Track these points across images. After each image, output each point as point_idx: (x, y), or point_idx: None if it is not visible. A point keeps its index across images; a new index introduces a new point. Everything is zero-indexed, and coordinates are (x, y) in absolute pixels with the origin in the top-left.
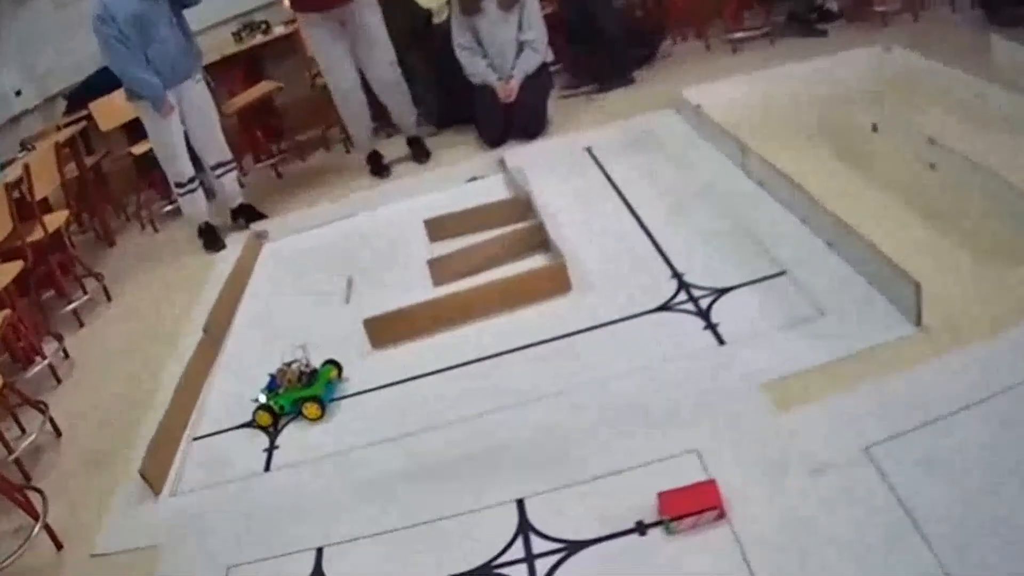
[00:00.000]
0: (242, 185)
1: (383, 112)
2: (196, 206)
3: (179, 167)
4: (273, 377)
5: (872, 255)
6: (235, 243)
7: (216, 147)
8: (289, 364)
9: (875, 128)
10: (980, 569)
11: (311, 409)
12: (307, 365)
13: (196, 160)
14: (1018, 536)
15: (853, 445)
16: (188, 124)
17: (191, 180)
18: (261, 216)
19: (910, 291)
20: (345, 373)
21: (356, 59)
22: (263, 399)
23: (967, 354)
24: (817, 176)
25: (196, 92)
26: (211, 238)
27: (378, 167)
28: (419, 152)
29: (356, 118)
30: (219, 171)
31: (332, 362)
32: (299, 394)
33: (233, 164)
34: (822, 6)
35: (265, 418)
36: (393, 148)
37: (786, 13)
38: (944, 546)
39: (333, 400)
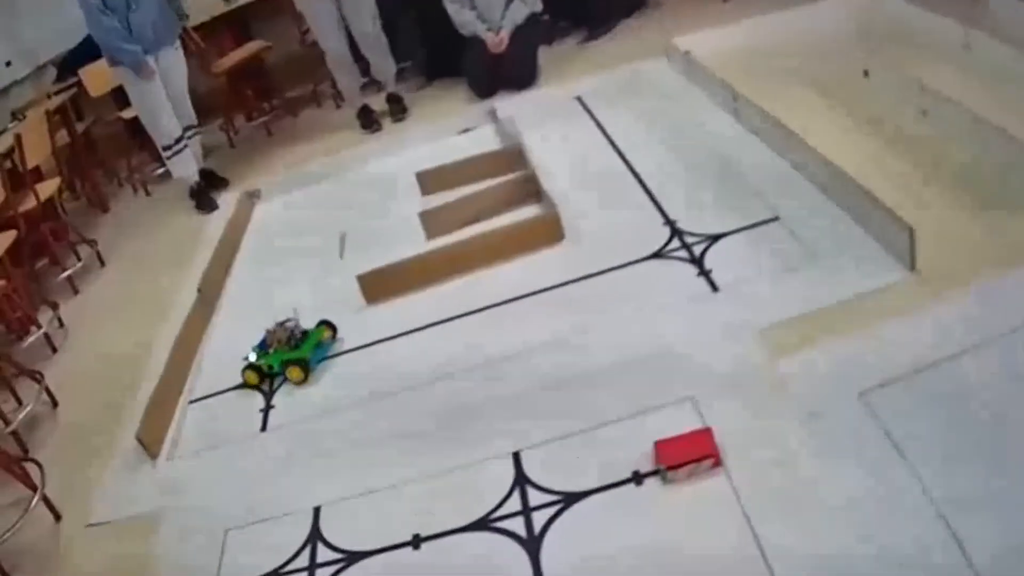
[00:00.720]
0: (206, 152)
1: (367, 67)
2: (186, 166)
3: (165, 129)
4: (264, 336)
5: (865, 200)
6: (227, 203)
7: (186, 111)
8: (282, 323)
9: (866, 74)
10: (977, 514)
11: (294, 372)
12: (298, 326)
13: None
14: (1016, 480)
15: (848, 391)
16: (167, 89)
17: (178, 140)
18: (222, 180)
19: (904, 236)
20: (340, 330)
21: (342, 13)
22: (253, 358)
23: (961, 299)
24: (809, 122)
25: (175, 58)
26: (204, 199)
27: (368, 120)
28: (397, 109)
29: (346, 75)
30: (187, 134)
31: (326, 323)
32: (286, 356)
33: (199, 129)
34: None
35: (252, 377)
36: (374, 104)
37: None
38: (940, 491)
39: (325, 359)
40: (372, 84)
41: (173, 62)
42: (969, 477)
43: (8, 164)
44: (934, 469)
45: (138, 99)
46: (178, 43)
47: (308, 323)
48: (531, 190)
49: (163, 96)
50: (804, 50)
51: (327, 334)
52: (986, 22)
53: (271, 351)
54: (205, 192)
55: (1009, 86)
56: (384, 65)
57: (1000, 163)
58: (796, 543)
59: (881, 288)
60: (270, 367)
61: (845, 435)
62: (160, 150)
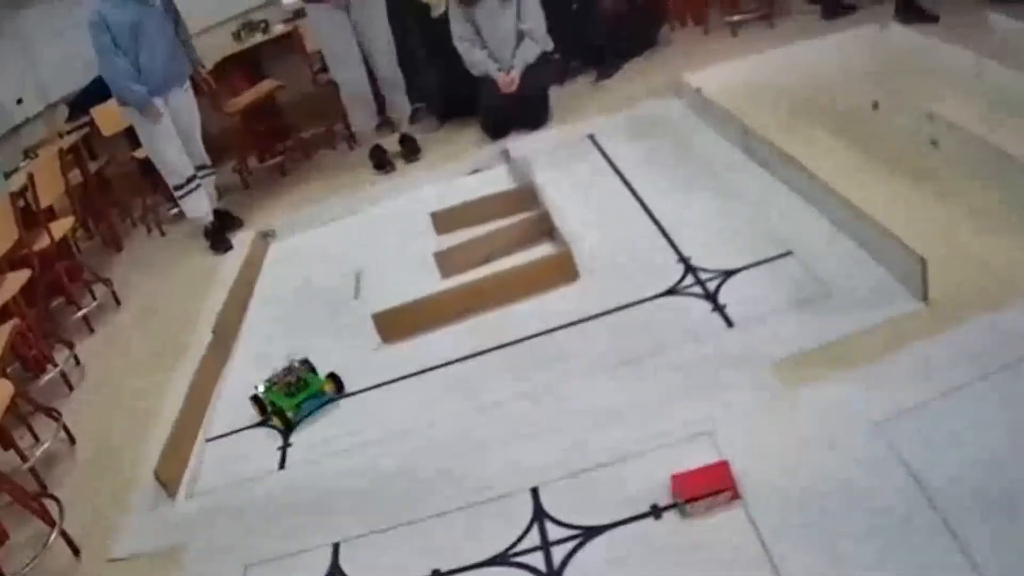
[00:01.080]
0: (220, 192)
1: (382, 105)
2: (199, 205)
3: (176, 169)
4: (272, 374)
5: (877, 232)
6: (242, 243)
7: (197, 152)
8: (290, 367)
9: (875, 106)
10: (996, 542)
11: (276, 419)
12: (300, 372)
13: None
14: None
15: (864, 421)
16: (176, 129)
17: (189, 180)
18: (237, 220)
19: (916, 267)
20: (356, 368)
21: (361, 49)
22: (260, 389)
23: (974, 328)
24: (819, 155)
25: (184, 100)
26: (218, 239)
27: (381, 160)
28: (409, 150)
29: (361, 111)
30: (200, 175)
31: (333, 376)
32: (278, 400)
33: (212, 169)
34: None
35: (255, 408)
36: (388, 145)
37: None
38: (959, 520)
39: (313, 413)
40: (386, 124)
41: (183, 103)
42: (987, 505)
43: (22, 203)
44: (953, 499)
45: (147, 139)
46: (188, 84)
47: (323, 364)
48: (545, 229)
49: (173, 136)
50: (813, 83)
51: (329, 387)
52: (992, 46)
53: (274, 388)
54: (219, 232)
55: (1019, 112)
56: (400, 102)
57: (1011, 191)
58: (817, 574)
59: (894, 319)
60: (272, 404)
61: (862, 466)
62: (172, 190)
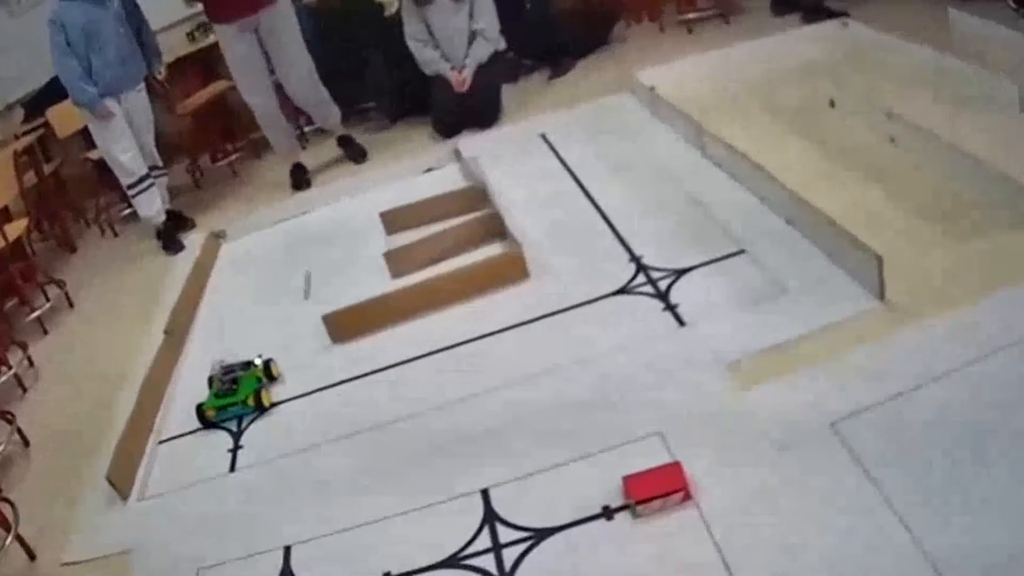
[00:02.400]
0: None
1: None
2: (152, 204)
3: (129, 168)
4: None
5: (832, 230)
6: (194, 244)
7: (149, 153)
8: (228, 370)
9: (832, 103)
10: (951, 539)
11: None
12: (234, 380)
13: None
14: (986, 505)
15: (818, 421)
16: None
17: (142, 179)
18: (189, 221)
19: (872, 265)
20: (306, 370)
21: (274, 69)
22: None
23: (930, 327)
24: (774, 153)
25: (138, 101)
26: (170, 239)
27: (298, 180)
28: (353, 152)
29: (276, 132)
30: (152, 175)
31: (267, 365)
32: (208, 403)
33: (164, 171)
34: None
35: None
36: (327, 150)
37: None
38: (915, 518)
39: (239, 417)
40: (303, 138)
41: (137, 104)
42: (942, 504)
43: None
44: (906, 498)
45: (100, 139)
46: (142, 86)
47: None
48: (495, 228)
49: (127, 135)
50: (770, 81)
51: (256, 400)
52: (952, 44)
53: (213, 385)
54: (171, 232)
55: (977, 110)
56: (326, 113)
57: (969, 190)
58: (769, 574)
59: (850, 318)
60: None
61: (816, 465)
62: (125, 189)
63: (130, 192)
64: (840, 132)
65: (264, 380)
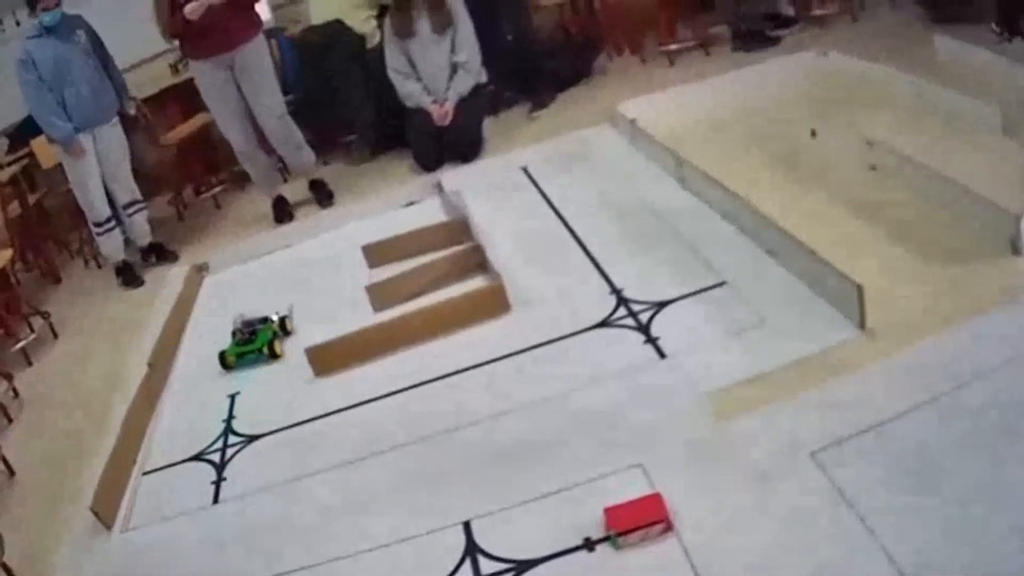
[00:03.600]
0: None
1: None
2: (113, 245)
3: (96, 208)
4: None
5: (812, 260)
6: (176, 277)
7: (127, 187)
8: (248, 324)
9: (813, 133)
10: (935, 569)
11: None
12: (253, 332)
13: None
14: (970, 534)
15: (799, 451)
16: (103, 166)
17: (108, 220)
18: (171, 254)
19: (852, 294)
20: (289, 404)
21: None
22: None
23: (911, 355)
24: (755, 184)
25: (113, 136)
26: (128, 275)
27: (280, 213)
28: (321, 196)
29: (255, 168)
30: (130, 210)
31: (284, 319)
32: (233, 350)
33: (143, 203)
34: (776, 13)
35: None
36: (298, 190)
37: (733, 24)
38: (898, 548)
39: (252, 365)
40: (286, 171)
41: (110, 139)
42: (922, 533)
43: None
44: (888, 527)
45: (72, 176)
46: (116, 120)
47: (256, 396)
48: (477, 262)
49: (96, 174)
50: (750, 111)
51: (270, 349)
52: (936, 68)
53: (236, 337)
54: (130, 268)
55: (959, 136)
56: (297, 159)
57: (950, 216)
58: None
59: (831, 347)
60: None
61: (797, 495)
62: (91, 226)
63: (96, 231)
64: (821, 162)
65: (279, 333)
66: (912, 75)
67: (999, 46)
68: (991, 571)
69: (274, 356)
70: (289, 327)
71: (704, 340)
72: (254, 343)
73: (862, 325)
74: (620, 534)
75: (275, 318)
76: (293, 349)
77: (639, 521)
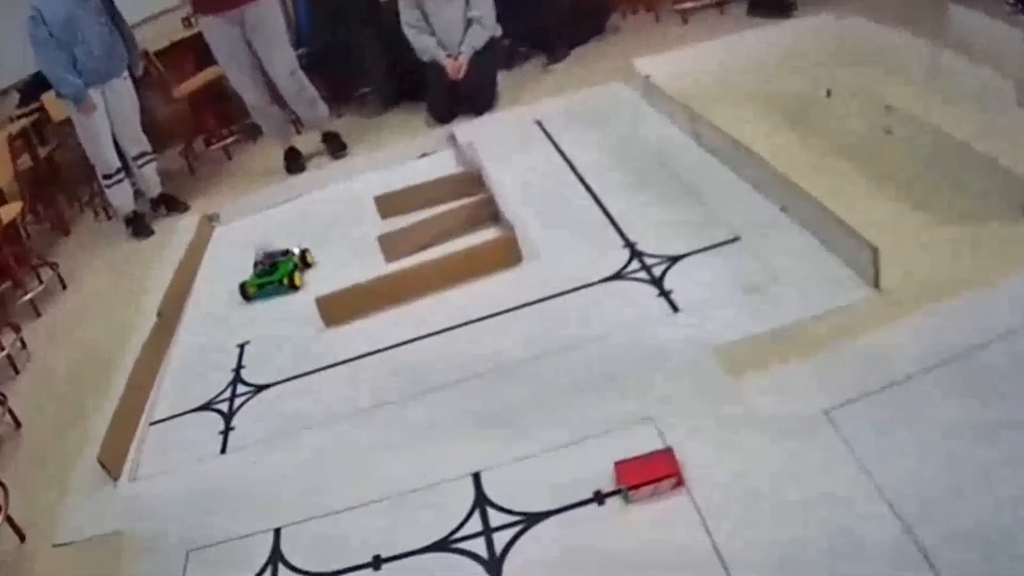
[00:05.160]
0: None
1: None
2: (123, 196)
3: (105, 161)
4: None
5: (828, 219)
6: (187, 227)
7: (137, 139)
8: (270, 255)
9: (829, 94)
10: (944, 530)
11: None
12: (274, 264)
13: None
14: (979, 496)
15: (811, 409)
16: (113, 119)
17: (117, 172)
18: (181, 204)
19: (867, 255)
20: (298, 354)
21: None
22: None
23: (924, 316)
24: (770, 143)
25: (122, 90)
26: (139, 226)
27: (293, 164)
28: (334, 147)
29: (267, 120)
30: (140, 161)
31: (304, 252)
32: (254, 281)
33: (153, 155)
34: None
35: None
36: (311, 141)
37: None
38: (907, 507)
39: (269, 296)
40: (298, 122)
41: (121, 93)
42: (934, 494)
43: None
44: (899, 487)
45: (81, 129)
46: (126, 73)
47: (266, 348)
48: (489, 213)
49: (106, 128)
50: (765, 70)
51: (292, 280)
52: (950, 38)
53: (256, 269)
54: (140, 218)
55: (974, 102)
56: (310, 113)
57: (964, 180)
58: (761, 560)
59: (845, 307)
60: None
61: (809, 453)
62: (100, 179)
63: (105, 182)
64: (836, 123)
65: (299, 265)
66: (926, 42)
67: (1013, 18)
68: (1001, 529)
69: (294, 287)
70: (310, 260)
71: (717, 295)
72: (275, 274)
73: (876, 284)
74: (631, 488)
75: (296, 251)
76: (313, 280)
77: (650, 476)
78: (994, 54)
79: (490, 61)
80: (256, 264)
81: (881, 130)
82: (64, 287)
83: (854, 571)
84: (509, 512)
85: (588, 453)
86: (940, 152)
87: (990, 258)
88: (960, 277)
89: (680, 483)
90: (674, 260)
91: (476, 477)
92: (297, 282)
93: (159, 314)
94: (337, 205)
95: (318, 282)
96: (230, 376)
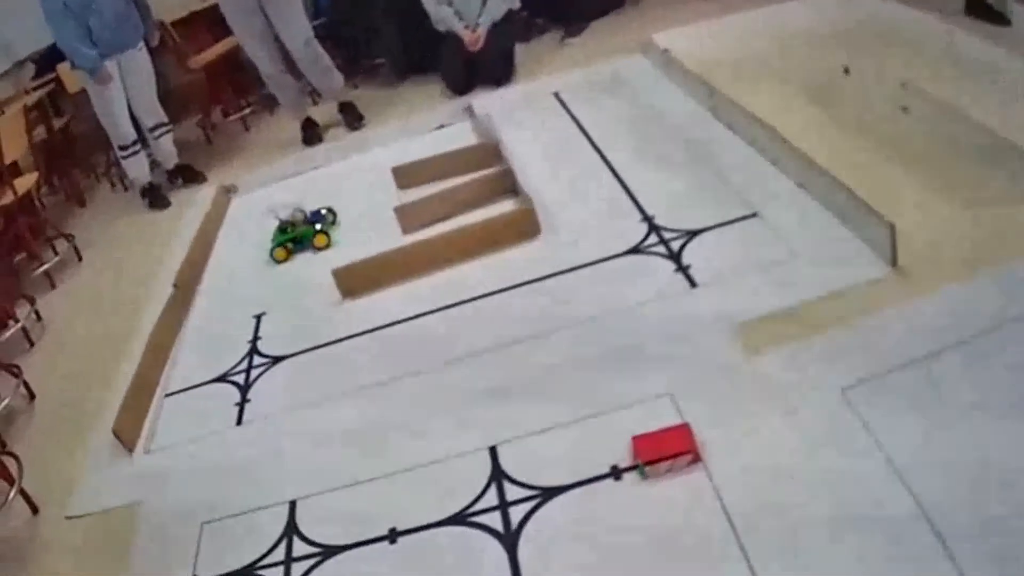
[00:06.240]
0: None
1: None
2: (139, 167)
3: (121, 131)
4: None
5: (846, 197)
6: (205, 198)
7: (153, 110)
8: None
9: (847, 71)
10: (962, 510)
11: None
12: (299, 218)
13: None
14: (997, 476)
15: (829, 387)
16: (128, 90)
17: (134, 143)
18: (199, 175)
19: (884, 232)
20: (315, 322)
21: (274, 31)
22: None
23: (942, 295)
24: (788, 118)
25: (138, 60)
26: (155, 197)
27: (309, 135)
28: (351, 118)
29: (282, 91)
30: (156, 132)
31: (330, 213)
32: (274, 239)
33: (169, 126)
34: None
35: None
36: (327, 112)
37: None
38: (924, 487)
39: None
40: (313, 94)
41: (137, 64)
42: (949, 473)
43: None
44: (915, 466)
45: (96, 100)
46: (142, 44)
47: (283, 320)
48: (508, 185)
49: (121, 99)
50: (784, 47)
51: (320, 241)
52: (968, 21)
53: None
54: (156, 190)
55: (989, 80)
56: (326, 83)
57: (981, 159)
58: (777, 538)
59: (862, 284)
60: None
61: (825, 431)
62: (116, 150)
63: (121, 154)
64: (853, 100)
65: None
66: (944, 21)
67: None
68: (1019, 511)
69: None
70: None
71: (735, 271)
72: (301, 232)
73: (894, 263)
74: (647, 464)
75: (325, 212)
76: (331, 252)
77: (667, 451)
78: (1008, 35)
79: (508, 33)
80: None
81: (898, 108)
82: (80, 259)
83: (869, 550)
84: (525, 486)
85: (605, 428)
86: (957, 131)
87: (1008, 237)
88: (977, 256)
89: (697, 459)
90: (692, 235)
91: (492, 451)
92: (320, 243)
93: (175, 286)
94: (354, 176)
95: (336, 254)
96: (246, 348)
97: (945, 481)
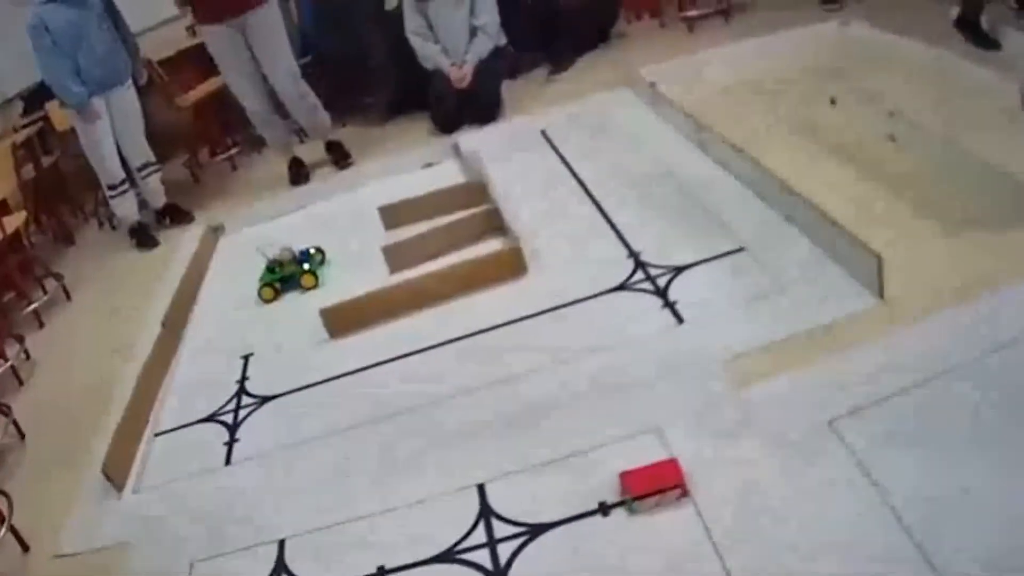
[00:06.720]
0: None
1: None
2: (128, 207)
3: (109, 171)
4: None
5: (832, 229)
6: (192, 237)
7: (141, 150)
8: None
9: (833, 102)
10: (950, 540)
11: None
12: (284, 257)
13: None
14: (985, 506)
15: (817, 420)
16: (116, 128)
17: (122, 183)
18: (186, 215)
19: (871, 264)
20: (305, 365)
21: (261, 71)
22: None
23: (929, 325)
24: (774, 151)
25: (126, 98)
26: (143, 236)
27: (297, 175)
28: (338, 157)
29: (269, 130)
30: (144, 172)
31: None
32: (262, 279)
33: (157, 166)
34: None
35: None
36: (314, 151)
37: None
38: (913, 518)
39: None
40: (300, 133)
41: (125, 102)
42: (940, 504)
43: None
44: (904, 497)
45: (84, 139)
46: (129, 83)
47: (270, 358)
48: (495, 224)
49: (109, 137)
50: (770, 79)
51: (308, 282)
52: (954, 44)
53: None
54: (144, 230)
55: (978, 108)
56: (312, 121)
57: (968, 187)
58: (765, 570)
59: (849, 316)
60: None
61: (814, 464)
62: (105, 189)
63: (109, 193)
64: (841, 130)
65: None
66: (931, 48)
67: (1018, 22)
68: (1007, 543)
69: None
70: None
71: (722, 306)
72: (289, 272)
73: (881, 294)
74: (636, 498)
75: (313, 251)
76: (319, 292)
77: (655, 486)
78: (999, 57)
79: (495, 70)
80: (272, 263)
81: (885, 137)
82: (69, 298)
83: None
84: (514, 523)
85: (593, 464)
86: (945, 159)
87: (996, 266)
88: (964, 285)
89: (685, 493)
90: (679, 270)
91: (481, 488)
92: (308, 283)
93: (164, 325)
94: (341, 216)
95: (323, 292)
96: (235, 387)
97: (933, 511)
